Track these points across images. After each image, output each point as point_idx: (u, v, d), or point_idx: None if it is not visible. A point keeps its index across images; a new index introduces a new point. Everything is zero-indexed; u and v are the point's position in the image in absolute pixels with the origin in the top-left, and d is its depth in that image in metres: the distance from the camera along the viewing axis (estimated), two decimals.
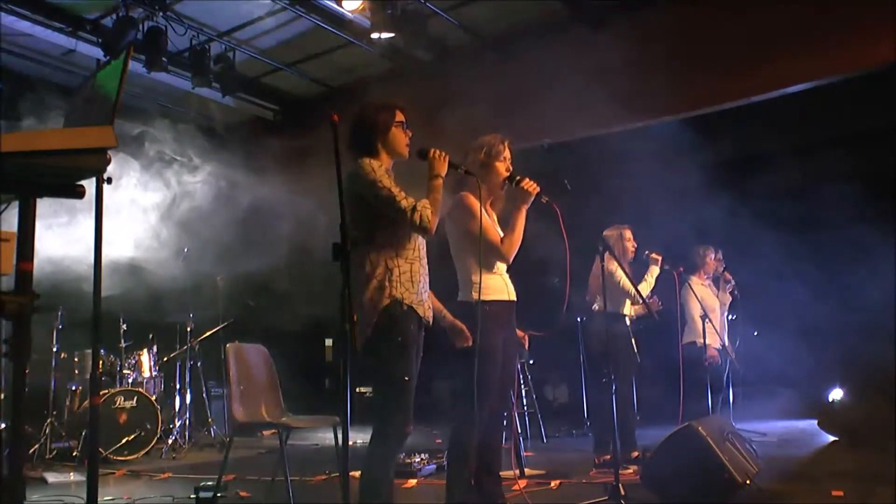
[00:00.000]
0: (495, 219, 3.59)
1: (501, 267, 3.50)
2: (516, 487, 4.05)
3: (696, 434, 3.72)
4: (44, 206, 1.82)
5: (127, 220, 5.90)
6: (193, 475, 5.24)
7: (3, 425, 1.77)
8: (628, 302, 5.35)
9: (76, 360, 6.39)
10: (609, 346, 4.72)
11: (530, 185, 3.39)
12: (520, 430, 5.79)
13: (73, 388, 6.32)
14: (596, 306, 5.27)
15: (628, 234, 5.39)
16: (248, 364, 4.27)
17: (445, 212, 3.35)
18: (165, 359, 7.01)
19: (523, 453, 5.26)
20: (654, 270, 5.42)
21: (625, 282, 5.09)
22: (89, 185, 1.88)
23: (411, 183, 2.95)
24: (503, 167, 3.50)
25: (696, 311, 5.83)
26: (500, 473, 3.60)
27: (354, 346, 2.32)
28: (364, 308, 2.83)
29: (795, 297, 6.95)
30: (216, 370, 7.00)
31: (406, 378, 2.82)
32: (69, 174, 1.83)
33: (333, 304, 2.30)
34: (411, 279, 2.90)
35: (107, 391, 6.07)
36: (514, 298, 3.51)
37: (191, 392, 6.88)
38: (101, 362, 6.21)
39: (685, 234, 6.34)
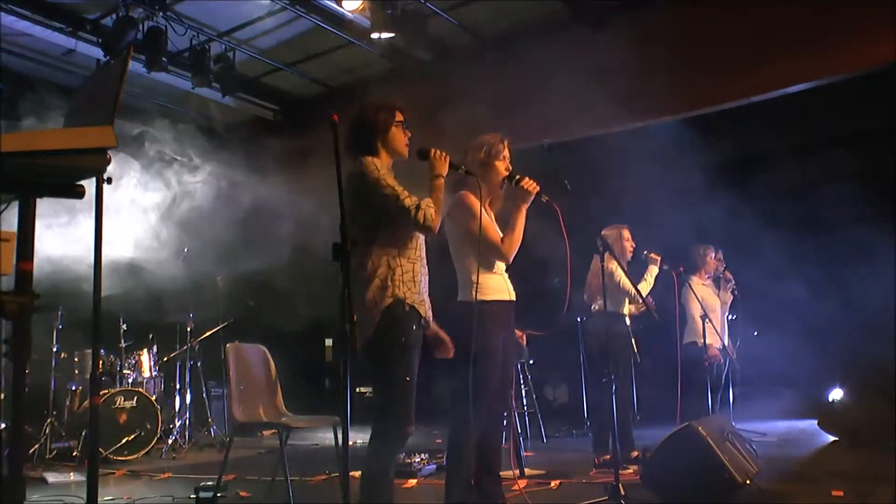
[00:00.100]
0: (493, 218, 3.59)
1: (501, 266, 3.50)
2: (516, 487, 4.05)
3: (696, 434, 3.72)
4: (44, 206, 1.82)
5: (127, 220, 5.90)
6: (193, 475, 5.24)
7: (3, 425, 1.77)
8: (627, 301, 5.35)
9: (76, 360, 6.39)
10: (609, 346, 4.72)
11: (530, 185, 3.39)
12: (520, 430, 5.80)
13: (73, 388, 6.32)
14: (595, 306, 5.27)
15: (627, 233, 5.39)
16: (248, 364, 4.27)
17: (445, 211, 3.35)
18: (165, 359, 7.01)
19: (523, 453, 5.26)
20: (654, 270, 5.42)
21: (624, 281, 5.09)
22: (89, 185, 1.88)
23: (411, 183, 2.95)
24: (503, 166, 3.51)
25: (696, 311, 5.83)
26: (500, 473, 3.60)
27: (354, 346, 2.32)
28: (366, 307, 2.82)
29: (795, 297, 6.95)
30: (216, 370, 6.99)
31: (407, 378, 2.82)
32: (69, 174, 1.83)
33: (333, 304, 2.30)
34: (413, 279, 2.90)
35: (107, 391, 6.07)
36: (514, 298, 3.52)
37: (191, 392, 6.88)
38: (101, 362, 6.21)
39: (685, 234, 6.34)
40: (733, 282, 6.40)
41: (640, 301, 5.14)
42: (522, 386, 7.06)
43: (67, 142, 1.77)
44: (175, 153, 6.43)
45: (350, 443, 2.34)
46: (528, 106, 6.51)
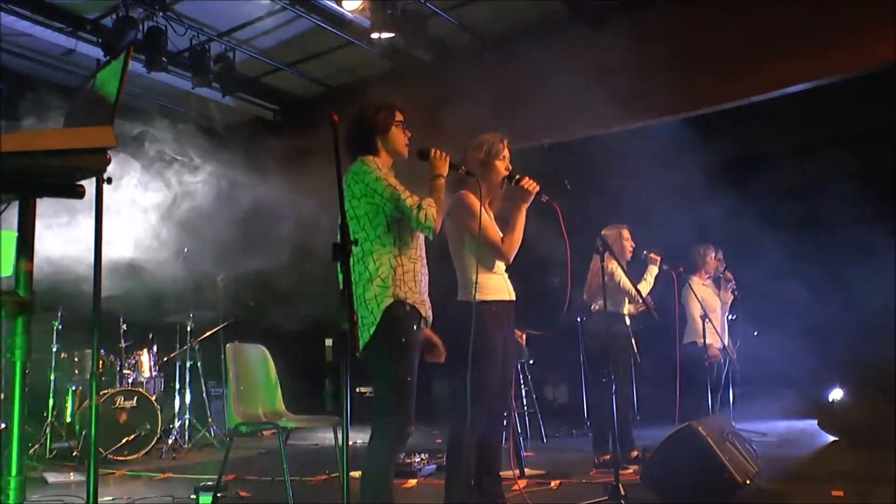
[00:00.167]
0: (493, 218, 3.59)
1: (501, 266, 3.50)
2: (516, 487, 4.05)
3: (696, 434, 3.72)
4: (44, 206, 1.82)
5: (127, 220, 5.90)
6: (193, 475, 5.24)
7: (3, 425, 1.77)
8: (627, 301, 5.35)
9: (76, 360, 6.39)
10: (609, 346, 4.72)
11: (530, 184, 3.39)
12: (520, 430, 5.80)
13: (73, 388, 6.32)
14: (595, 306, 5.27)
15: (626, 233, 5.38)
16: (248, 364, 4.27)
17: (445, 211, 3.35)
18: (165, 359, 7.00)
19: (523, 453, 5.26)
20: (653, 270, 5.42)
21: (625, 281, 5.09)
22: (89, 185, 1.88)
23: (411, 183, 2.95)
24: (503, 166, 3.51)
25: (696, 311, 5.83)
26: (500, 473, 3.60)
27: (354, 346, 2.32)
28: (367, 307, 2.82)
29: (795, 297, 6.95)
30: (216, 370, 6.99)
31: (408, 378, 2.81)
32: (69, 174, 1.83)
33: (333, 304, 2.30)
34: (414, 278, 2.90)
35: (107, 391, 6.07)
36: (514, 298, 3.52)
37: (191, 392, 6.88)
38: (101, 362, 6.22)
39: (685, 235, 6.34)
40: (733, 282, 6.40)
41: (640, 301, 5.14)
42: (522, 386, 7.06)
43: (67, 142, 1.77)
44: (175, 153, 6.43)
45: (350, 443, 2.33)
46: (528, 106, 6.51)
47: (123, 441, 5.94)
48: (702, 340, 5.75)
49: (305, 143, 6.47)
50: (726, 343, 6.17)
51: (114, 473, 5.53)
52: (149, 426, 6.11)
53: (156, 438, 6.14)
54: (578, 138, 7.23)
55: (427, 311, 2.96)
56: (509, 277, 3.54)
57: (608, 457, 4.88)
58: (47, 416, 5.97)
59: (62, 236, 4.51)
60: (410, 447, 5.00)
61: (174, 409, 6.84)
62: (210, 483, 4.16)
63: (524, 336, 5.56)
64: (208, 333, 7.09)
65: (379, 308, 2.82)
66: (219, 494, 4.04)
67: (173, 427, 6.65)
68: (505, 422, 4.28)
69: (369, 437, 2.82)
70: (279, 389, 4.30)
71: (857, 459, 5.39)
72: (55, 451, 5.93)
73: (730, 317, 6.47)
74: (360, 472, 2.82)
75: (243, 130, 8.50)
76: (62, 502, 4.31)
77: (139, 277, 6.07)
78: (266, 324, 7.50)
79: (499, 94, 6.44)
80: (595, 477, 4.80)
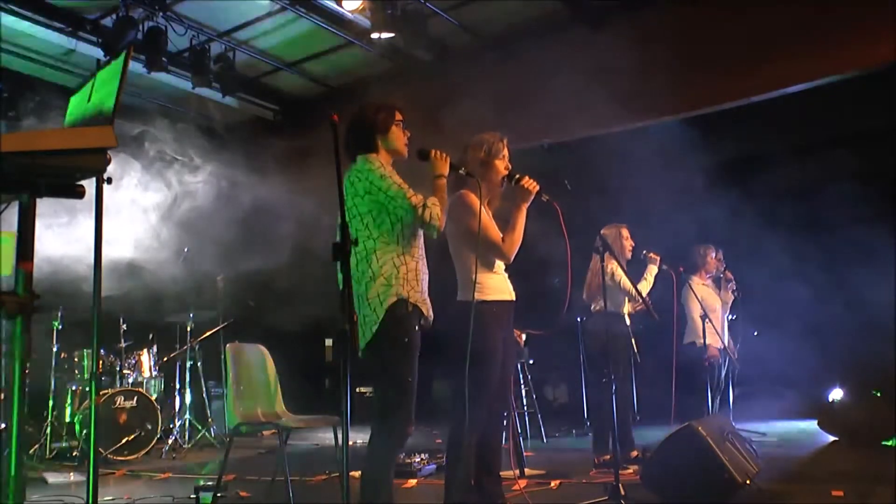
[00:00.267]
0: (492, 217, 3.59)
1: (501, 266, 3.50)
2: (516, 487, 4.05)
3: (696, 434, 3.72)
4: (44, 206, 1.82)
5: (127, 220, 5.90)
6: (193, 475, 5.24)
7: (3, 425, 1.77)
8: (627, 300, 5.35)
9: (76, 360, 6.39)
10: (609, 346, 4.72)
11: (530, 184, 3.39)
12: (520, 430, 5.80)
13: (73, 388, 6.32)
14: (596, 306, 5.27)
15: (626, 232, 5.38)
16: (248, 364, 4.27)
17: (445, 211, 3.35)
18: (165, 359, 7.00)
19: (523, 453, 5.26)
20: (653, 270, 5.43)
21: (625, 281, 5.09)
22: (89, 185, 1.88)
23: (410, 183, 2.95)
24: (502, 165, 3.51)
25: (696, 311, 5.83)
26: (500, 473, 3.60)
27: (354, 346, 2.32)
28: (370, 306, 2.82)
29: (795, 297, 6.95)
30: (216, 370, 7.00)
31: (409, 378, 2.81)
32: (69, 174, 1.83)
33: (333, 304, 2.30)
34: (416, 277, 2.91)
35: (107, 391, 6.08)
36: (514, 298, 3.51)
37: (191, 392, 6.88)
38: (101, 362, 6.22)
39: (685, 234, 6.34)
40: (734, 282, 6.40)
41: (640, 300, 5.14)
42: (522, 386, 7.06)
43: (67, 142, 1.77)
44: (175, 153, 6.43)
45: (350, 443, 2.33)
46: (528, 106, 6.52)
47: (123, 441, 5.95)
48: (701, 340, 5.75)
49: (305, 143, 6.47)
50: (726, 343, 6.17)
51: (114, 473, 5.53)
52: (149, 426, 6.11)
53: (156, 438, 6.14)
54: (578, 138, 7.22)
55: (428, 310, 2.96)
56: (509, 277, 3.54)
57: (608, 457, 4.88)
58: (47, 416, 5.97)
59: (62, 236, 4.50)
60: (410, 447, 5.00)
61: (174, 409, 6.84)
62: (210, 483, 4.16)
63: (523, 336, 5.56)
64: (208, 333, 7.10)
65: (382, 307, 2.81)
66: (219, 494, 4.04)
67: (173, 427, 6.65)
68: (505, 422, 4.27)
69: (369, 437, 2.82)
70: (279, 389, 4.30)
71: (857, 459, 5.39)
72: (55, 451, 5.94)
73: (730, 317, 6.47)
74: (360, 472, 2.82)
75: (243, 130, 8.49)
76: (62, 502, 4.31)
77: (139, 277, 6.06)
78: (266, 324, 7.50)
79: (499, 94, 6.44)
80: (595, 477, 4.80)
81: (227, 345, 4.30)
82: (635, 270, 5.34)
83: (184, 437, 6.68)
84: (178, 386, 6.87)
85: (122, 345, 6.58)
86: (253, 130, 8.73)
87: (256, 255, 6.82)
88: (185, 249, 6.49)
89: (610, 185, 6.50)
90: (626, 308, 5.36)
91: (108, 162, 1.81)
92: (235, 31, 7.26)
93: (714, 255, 6.22)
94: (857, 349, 6.80)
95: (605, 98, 5.98)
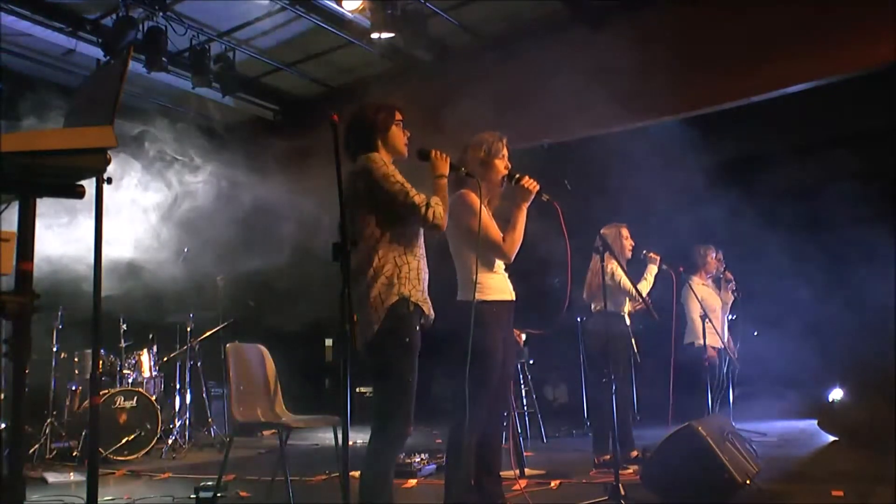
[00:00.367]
0: (492, 217, 3.59)
1: (501, 266, 3.50)
2: (516, 487, 4.05)
3: (696, 434, 3.72)
4: (44, 206, 1.82)
5: (127, 220, 5.90)
6: (193, 475, 5.24)
7: (3, 425, 1.77)
8: (627, 300, 5.35)
9: (76, 360, 6.39)
10: (609, 346, 4.71)
11: (530, 183, 3.40)
12: (520, 430, 5.79)
13: (73, 388, 6.32)
14: (596, 306, 5.27)
15: (626, 231, 5.38)
16: (248, 364, 4.27)
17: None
18: (165, 359, 7.00)
19: (523, 453, 5.26)
20: (653, 269, 5.42)
21: (625, 281, 5.09)
22: (89, 185, 1.88)
23: (411, 183, 2.95)
24: (502, 165, 3.51)
25: (696, 311, 5.83)
26: (500, 473, 3.60)
27: (354, 346, 2.32)
28: (371, 305, 2.81)
29: (796, 297, 6.96)
30: (216, 370, 6.99)
31: (409, 378, 2.81)
32: (69, 174, 1.83)
33: (333, 304, 2.30)
34: (418, 276, 2.90)
35: (107, 391, 6.07)
36: (514, 298, 3.51)
37: (191, 392, 6.88)
38: (101, 362, 6.21)
39: (685, 235, 6.34)
40: (734, 282, 6.40)
41: (640, 300, 5.14)
42: (522, 386, 7.06)
43: (67, 142, 1.77)
44: (175, 153, 6.44)
45: (350, 443, 2.33)
46: (528, 106, 6.51)
47: (123, 441, 5.94)
48: (701, 341, 5.75)
49: (305, 143, 6.47)
50: (726, 343, 6.17)
51: (114, 473, 5.53)
52: (149, 426, 6.11)
53: (156, 438, 6.14)
54: (578, 138, 7.22)
55: (429, 309, 2.96)
56: (509, 277, 3.54)
57: (608, 457, 4.88)
58: (47, 416, 5.97)
59: (62, 236, 4.51)
60: (410, 447, 5.00)
61: (174, 409, 6.84)
62: (210, 483, 4.16)
63: (523, 336, 5.56)
64: (208, 333, 7.10)
65: (384, 306, 2.81)
66: (219, 494, 4.04)
67: (173, 427, 6.65)
68: (505, 422, 4.28)
69: (369, 436, 2.82)
70: (279, 389, 4.30)
71: (857, 459, 5.39)
72: (55, 451, 5.93)
73: (730, 317, 6.47)
74: (360, 472, 2.82)
75: (243, 130, 8.50)
76: (62, 502, 4.31)
77: (139, 277, 6.07)
78: (266, 324, 7.51)
79: (499, 94, 6.44)
80: (595, 477, 4.80)
81: (227, 345, 4.30)
82: (635, 270, 5.34)
83: (184, 437, 6.67)
84: (178, 386, 6.87)
85: (122, 345, 6.57)
86: (253, 130, 8.74)
87: (256, 256, 6.82)
88: (186, 249, 6.49)
89: (610, 185, 6.50)
90: (627, 308, 5.36)
91: (108, 162, 1.81)
92: (235, 31, 7.27)
93: (714, 255, 6.22)
94: (857, 349, 6.80)
95: (605, 98, 5.98)
